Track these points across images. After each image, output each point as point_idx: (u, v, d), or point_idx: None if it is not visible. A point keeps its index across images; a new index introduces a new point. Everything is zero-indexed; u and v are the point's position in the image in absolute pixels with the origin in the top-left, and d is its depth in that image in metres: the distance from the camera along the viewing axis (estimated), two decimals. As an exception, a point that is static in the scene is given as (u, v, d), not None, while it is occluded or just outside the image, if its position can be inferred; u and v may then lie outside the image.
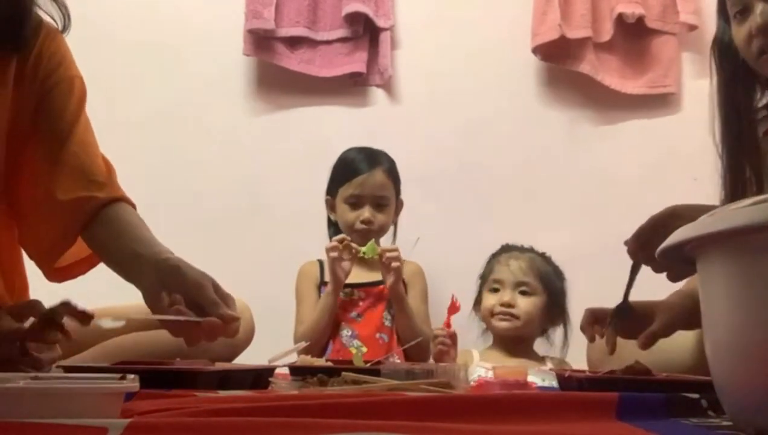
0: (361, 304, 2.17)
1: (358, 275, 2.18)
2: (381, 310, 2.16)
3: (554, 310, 2.07)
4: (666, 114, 2.62)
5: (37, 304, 1.13)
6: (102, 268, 1.35)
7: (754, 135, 1.54)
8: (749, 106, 1.55)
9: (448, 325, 1.87)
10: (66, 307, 1.07)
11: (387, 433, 0.71)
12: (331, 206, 2.25)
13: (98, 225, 1.28)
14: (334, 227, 2.26)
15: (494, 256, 2.14)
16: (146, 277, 1.14)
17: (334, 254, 2.07)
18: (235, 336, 1.13)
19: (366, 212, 2.15)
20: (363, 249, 2.07)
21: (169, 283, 1.10)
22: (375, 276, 2.19)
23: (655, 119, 2.61)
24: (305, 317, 2.14)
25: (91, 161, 1.34)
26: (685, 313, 1.45)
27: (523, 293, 2.04)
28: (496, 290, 2.07)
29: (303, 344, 1.85)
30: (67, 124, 1.34)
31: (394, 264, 2.08)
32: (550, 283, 2.06)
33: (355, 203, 2.17)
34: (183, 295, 1.09)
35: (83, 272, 1.40)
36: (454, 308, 1.87)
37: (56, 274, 1.37)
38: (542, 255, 2.12)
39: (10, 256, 1.39)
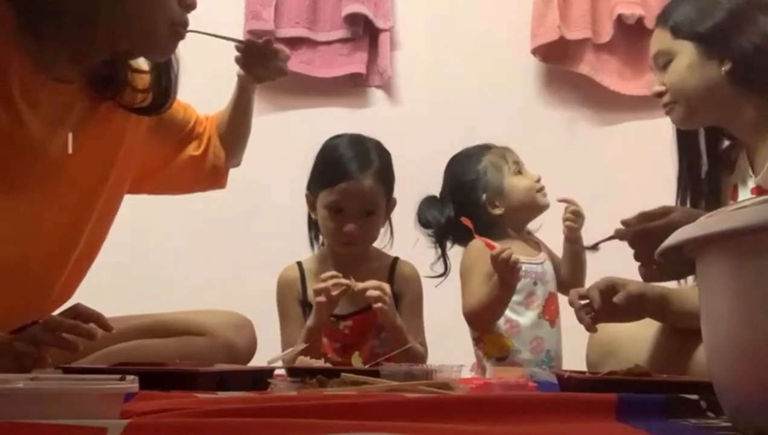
0: (347, 332, 1.89)
1: (344, 305, 1.86)
2: (369, 339, 1.89)
3: None
4: (665, 115, 2.62)
5: (77, 306, 1.29)
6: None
7: (713, 179, 1.59)
8: (711, 151, 1.62)
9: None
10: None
11: (386, 433, 0.70)
12: (311, 204, 1.96)
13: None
14: (315, 228, 1.99)
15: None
16: None
17: (322, 299, 1.75)
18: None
19: (350, 226, 1.84)
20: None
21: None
22: (363, 302, 1.85)
23: (655, 120, 2.60)
24: (292, 340, 1.86)
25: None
26: (653, 297, 1.47)
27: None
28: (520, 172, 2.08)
29: (302, 346, 1.81)
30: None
31: (376, 305, 1.76)
32: None
33: (339, 211, 1.86)
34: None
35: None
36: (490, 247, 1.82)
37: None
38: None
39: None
